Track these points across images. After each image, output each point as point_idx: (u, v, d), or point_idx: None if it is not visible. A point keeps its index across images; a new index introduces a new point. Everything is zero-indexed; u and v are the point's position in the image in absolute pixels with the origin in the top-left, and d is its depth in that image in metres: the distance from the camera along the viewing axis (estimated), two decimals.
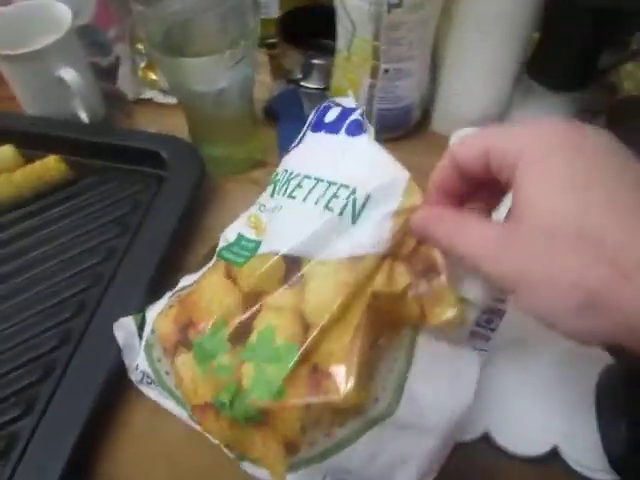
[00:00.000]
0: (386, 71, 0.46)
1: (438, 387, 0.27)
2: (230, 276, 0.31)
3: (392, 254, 0.27)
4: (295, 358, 0.26)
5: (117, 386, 0.37)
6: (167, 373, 0.32)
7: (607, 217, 0.19)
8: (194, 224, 0.47)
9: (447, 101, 0.50)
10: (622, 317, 0.18)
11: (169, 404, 0.34)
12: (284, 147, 0.50)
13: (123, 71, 0.57)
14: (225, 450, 0.31)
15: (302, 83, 0.57)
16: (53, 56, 0.49)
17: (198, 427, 0.32)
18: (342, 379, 0.25)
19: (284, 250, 0.29)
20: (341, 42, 0.48)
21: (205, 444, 0.31)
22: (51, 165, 0.47)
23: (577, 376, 0.34)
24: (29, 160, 0.48)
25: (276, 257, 0.29)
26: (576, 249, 0.19)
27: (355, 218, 0.28)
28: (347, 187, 0.29)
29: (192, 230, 0.47)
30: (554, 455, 0.33)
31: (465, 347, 0.28)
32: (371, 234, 0.28)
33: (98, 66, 0.57)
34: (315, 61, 0.56)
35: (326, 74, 0.55)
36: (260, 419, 0.27)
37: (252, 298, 0.29)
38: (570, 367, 0.34)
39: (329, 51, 0.53)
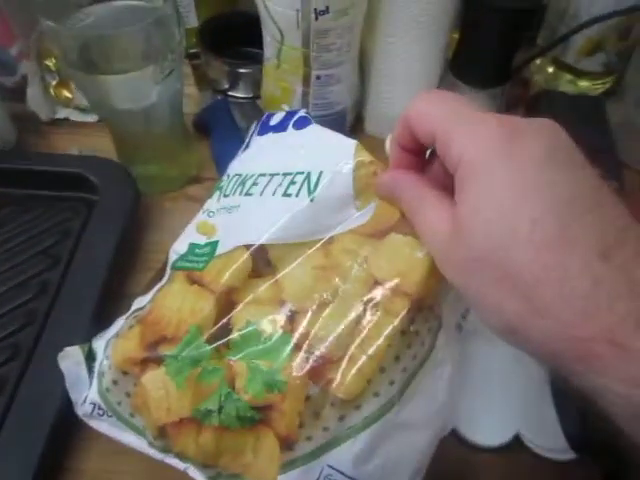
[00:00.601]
0: (318, 78, 0.46)
1: (434, 382, 0.27)
2: (195, 281, 0.30)
3: (382, 231, 0.27)
4: (289, 347, 0.25)
5: (65, 432, 0.34)
6: (119, 403, 0.30)
7: (527, 251, 0.19)
8: (132, 247, 0.44)
9: (377, 103, 0.51)
10: (536, 346, 0.19)
11: (123, 435, 0.31)
12: (220, 159, 0.49)
13: (32, 90, 0.53)
14: (195, 475, 0.29)
15: (230, 93, 0.56)
16: None
17: (159, 456, 0.30)
18: (342, 371, 0.25)
19: (247, 242, 0.29)
20: (269, 50, 0.48)
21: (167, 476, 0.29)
22: None
23: (532, 362, 0.35)
24: None
25: (240, 251, 0.29)
26: (497, 281, 0.19)
27: (312, 194, 0.28)
28: (302, 173, 0.30)
29: (131, 254, 0.44)
30: (518, 442, 0.35)
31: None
32: (335, 212, 0.28)
33: (3, 86, 0.53)
34: (241, 70, 0.55)
35: (253, 83, 0.54)
36: (257, 418, 0.26)
37: (224, 297, 0.28)
38: (524, 354, 0.36)
39: (254, 59, 0.53)
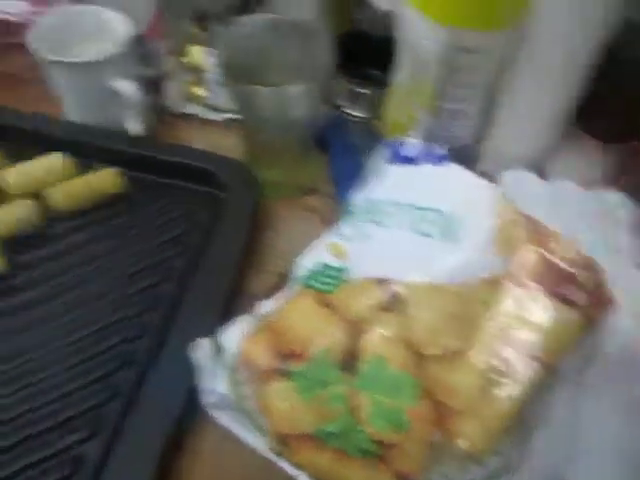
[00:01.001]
0: (446, 110, 0.48)
1: (550, 441, 0.27)
2: (326, 304, 0.31)
3: (522, 285, 0.28)
4: (416, 390, 0.26)
5: (188, 413, 0.36)
6: (245, 399, 0.32)
7: None
8: (251, 248, 0.46)
9: (498, 142, 0.52)
10: None
11: (241, 431, 0.33)
12: (338, 175, 0.52)
13: (170, 85, 0.57)
14: None
15: (347, 110, 0.58)
16: (110, 67, 0.48)
17: (274, 457, 0.31)
18: (467, 425, 0.25)
19: (379, 275, 0.30)
20: (401, 76, 0.49)
21: (276, 472, 0.31)
22: (107, 178, 0.46)
23: None
24: (80, 170, 0.47)
25: (372, 283, 0.30)
26: None
27: (446, 238, 0.29)
28: (436, 210, 0.30)
29: (250, 254, 0.46)
30: None
31: None
32: (471, 256, 0.29)
33: (144, 78, 0.57)
34: (361, 90, 0.57)
35: (371, 104, 0.56)
36: (378, 452, 0.26)
37: (354, 325, 0.29)
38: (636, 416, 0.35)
39: (374, 81, 0.55)
